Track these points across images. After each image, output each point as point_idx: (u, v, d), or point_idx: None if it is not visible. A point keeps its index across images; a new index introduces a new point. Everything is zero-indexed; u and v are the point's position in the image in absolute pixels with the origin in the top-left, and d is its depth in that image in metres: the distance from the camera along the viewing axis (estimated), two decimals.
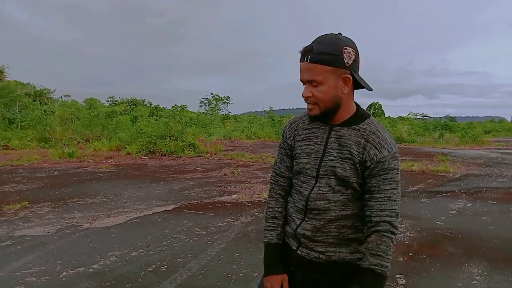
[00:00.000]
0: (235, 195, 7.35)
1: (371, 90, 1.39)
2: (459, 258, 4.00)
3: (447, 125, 39.91)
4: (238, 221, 5.44)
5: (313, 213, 1.39)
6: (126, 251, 4.20)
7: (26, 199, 6.74)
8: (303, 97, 1.37)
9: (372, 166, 1.32)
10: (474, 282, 3.40)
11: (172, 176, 10.18)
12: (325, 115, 1.38)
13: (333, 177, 1.36)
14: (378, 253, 1.29)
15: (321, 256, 1.40)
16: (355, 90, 1.42)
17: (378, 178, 1.32)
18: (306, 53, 1.31)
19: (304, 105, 1.44)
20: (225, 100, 45.47)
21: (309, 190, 1.40)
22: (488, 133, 34.95)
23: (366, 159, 1.33)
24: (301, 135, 1.46)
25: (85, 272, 3.59)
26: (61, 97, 37.08)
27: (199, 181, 9.32)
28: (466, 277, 3.52)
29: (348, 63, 1.31)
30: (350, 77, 1.34)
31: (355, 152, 1.34)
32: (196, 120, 31.24)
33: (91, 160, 13.84)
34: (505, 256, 4.03)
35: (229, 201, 6.92)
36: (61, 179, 9.39)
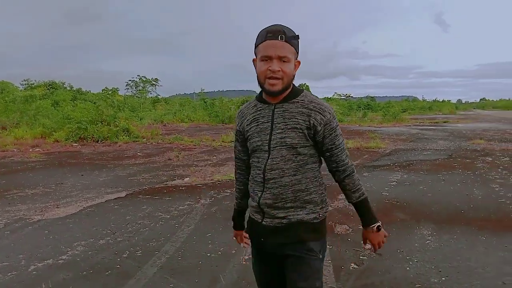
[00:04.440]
0: (187, 179, 7.30)
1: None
2: (409, 223, 4.46)
3: (369, 104, 42.60)
4: (199, 204, 5.46)
5: (270, 182, 1.60)
6: (92, 240, 4.04)
7: None
8: (271, 70, 1.53)
9: (322, 129, 1.57)
10: (428, 241, 3.85)
11: (113, 162, 9.77)
12: (282, 92, 1.58)
13: (284, 147, 1.58)
14: (356, 188, 1.64)
15: (282, 221, 1.61)
16: None
17: (330, 137, 1.59)
18: (279, 33, 1.52)
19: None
20: (154, 82, 43.85)
21: (264, 163, 1.61)
22: (405, 111, 38.04)
23: (315, 124, 1.56)
24: (249, 119, 1.67)
25: (56, 264, 3.42)
26: None
27: (143, 166, 9.07)
28: (420, 238, 3.96)
29: (298, 52, 1.61)
30: (300, 62, 1.63)
31: (300, 120, 1.57)
32: (125, 104, 29.83)
33: (15, 149, 12.71)
34: (447, 218, 4.58)
35: (182, 184, 6.87)
36: None
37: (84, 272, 3.24)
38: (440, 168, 8.00)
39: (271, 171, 1.59)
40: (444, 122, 25.58)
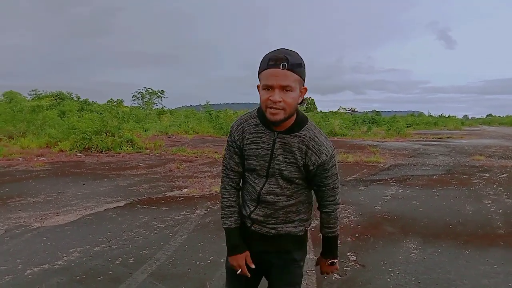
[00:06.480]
0: (185, 190, 7.46)
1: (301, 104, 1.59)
2: (397, 236, 4.57)
3: (374, 119, 42.78)
4: (194, 214, 5.60)
5: (264, 203, 1.68)
6: (87, 246, 4.19)
7: None
8: (272, 101, 1.45)
9: (314, 169, 1.60)
10: (412, 254, 3.95)
11: (115, 172, 9.95)
12: (285, 121, 1.52)
13: (280, 177, 1.62)
14: (328, 225, 1.75)
15: (271, 231, 1.71)
16: None
17: (321, 176, 1.63)
18: (282, 61, 1.42)
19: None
20: (160, 94, 44.34)
21: (261, 186, 1.66)
22: (410, 126, 38.08)
23: (309, 163, 1.58)
24: (249, 138, 1.64)
25: (51, 269, 3.57)
26: None
27: (144, 177, 9.24)
28: (405, 251, 4.06)
29: (305, 78, 1.52)
30: (306, 88, 1.55)
31: (298, 157, 1.58)
32: (132, 115, 30.26)
33: (20, 158, 12.97)
34: (434, 232, 4.68)
35: (180, 195, 7.02)
36: None
37: (78, 277, 3.39)
38: (436, 183, 8.08)
39: (266, 195, 1.65)
40: (448, 137, 25.58)
